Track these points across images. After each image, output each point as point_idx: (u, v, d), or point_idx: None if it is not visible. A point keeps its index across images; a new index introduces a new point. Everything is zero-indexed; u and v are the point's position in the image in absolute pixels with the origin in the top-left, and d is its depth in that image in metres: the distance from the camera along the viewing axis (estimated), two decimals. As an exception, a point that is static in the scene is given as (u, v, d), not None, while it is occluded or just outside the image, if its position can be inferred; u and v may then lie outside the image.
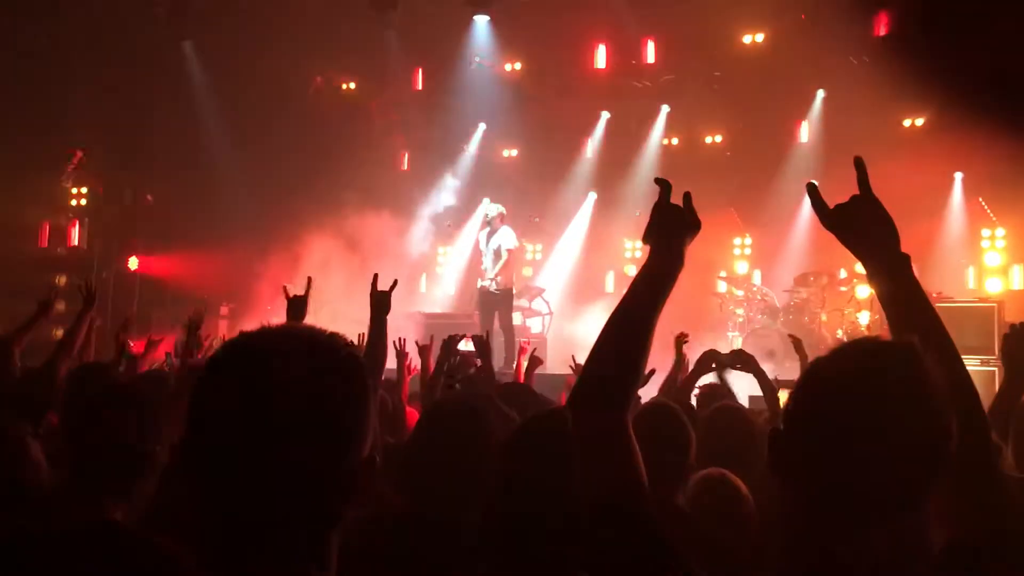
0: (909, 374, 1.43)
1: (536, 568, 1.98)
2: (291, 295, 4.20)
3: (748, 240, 14.74)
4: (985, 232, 13.30)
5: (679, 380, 5.01)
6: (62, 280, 11.21)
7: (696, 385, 4.86)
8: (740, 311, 12.84)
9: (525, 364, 5.96)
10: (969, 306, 10.36)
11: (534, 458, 2.09)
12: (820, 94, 13.77)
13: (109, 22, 13.90)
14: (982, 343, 9.38)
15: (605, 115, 14.98)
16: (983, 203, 13.29)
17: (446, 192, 15.40)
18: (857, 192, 1.88)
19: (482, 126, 15.43)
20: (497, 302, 11.45)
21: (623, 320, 1.80)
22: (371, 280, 4.19)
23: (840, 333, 11.96)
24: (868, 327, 11.87)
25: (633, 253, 15.19)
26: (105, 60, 14.29)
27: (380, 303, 4.14)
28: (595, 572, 1.67)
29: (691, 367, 4.96)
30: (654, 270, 1.84)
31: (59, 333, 9.36)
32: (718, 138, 14.66)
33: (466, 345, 5.41)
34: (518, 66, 14.86)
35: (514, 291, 11.82)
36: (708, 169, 13.65)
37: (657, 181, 1.94)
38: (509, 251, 11.66)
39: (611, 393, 1.73)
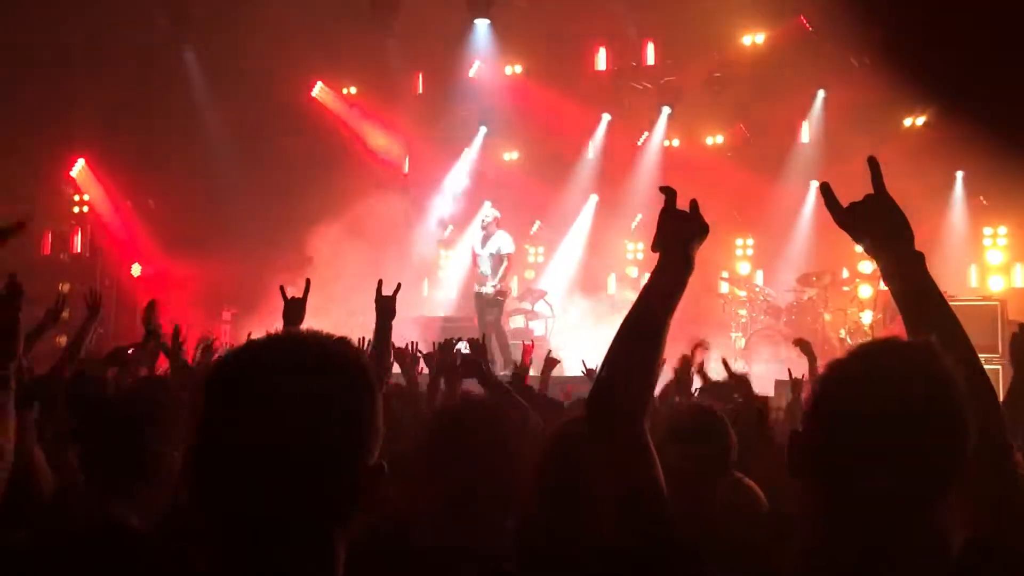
0: (929, 374, 1.43)
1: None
2: (289, 296, 4.18)
3: (750, 241, 14.75)
4: (987, 230, 13.31)
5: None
6: (65, 287, 11.21)
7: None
8: (743, 312, 12.84)
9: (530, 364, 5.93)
10: (972, 304, 10.35)
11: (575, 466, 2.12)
12: (820, 94, 13.77)
13: (111, 29, 13.93)
14: (986, 342, 9.36)
15: (606, 117, 14.98)
16: (984, 201, 13.30)
17: (448, 196, 15.41)
18: (861, 194, 1.89)
19: (483, 129, 15.44)
20: (491, 305, 11.50)
21: (636, 328, 1.82)
22: (375, 287, 4.22)
23: (843, 333, 11.95)
24: (871, 326, 11.87)
25: (635, 255, 15.20)
26: (107, 67, 14.32)
27: (385, 308, 4.15)
28: None
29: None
30: (664, 276, 1.86)
31: (62, 340, 9.38)
32: (719, 139, 14.66)
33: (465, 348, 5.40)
34: (518, 69, 14.87)
35: (513, 294, 11.85)
36: (709, 170, 13.66)
37: (662, 190, 1.96)
38: (508, 256, 11.70)
39: (627, 402, 1.75)
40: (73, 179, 15.54)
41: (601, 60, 14.47)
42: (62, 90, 14.42)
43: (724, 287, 13.39)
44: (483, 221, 12.02)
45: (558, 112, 14.57)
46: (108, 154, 15.24)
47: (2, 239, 1.82)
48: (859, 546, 1.44)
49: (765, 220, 14.13)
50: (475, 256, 12.09)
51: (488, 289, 11.56)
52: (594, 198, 15.20)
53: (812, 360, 3.79)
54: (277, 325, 3.90)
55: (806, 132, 14.06)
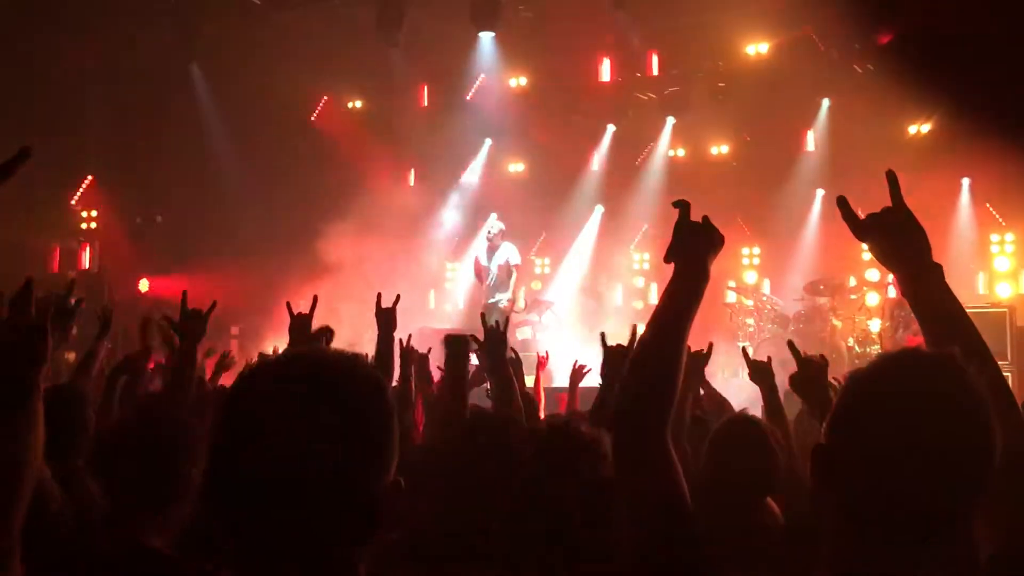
0: (954, 387, 1.43)
1: None
2: (295, 312, 4.19)
3: (756, 250, 14.74)
4: (994, 237, 13.30)
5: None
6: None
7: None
8: (750, 321, 12.83)
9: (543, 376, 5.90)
10: (981, 311, 10.34)
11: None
12: (825, 103, 13.78)
13: (117, 46, 14.01)
14: (995, 348, 9.27)
15: (611, 128, 15.00)
16: (991, 208, 13.28)
17: (453, 208, 15.43)
18: (867, 202, 1.90)
19: (488, 142, 15.48)
20: (502, 317, 11.43)
21: (656, 340, 1.84)
22: (375, 299, 4.25)
23: (851, 341, 11.93)
24: (879, 334, 11.84)
25: (641, 265, 15.21)
26: (115, 84, 14.40)
27: (386, 320, 4.18)
28: None
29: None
30: (681, 289, 1.88)
31: (71, 356, 9.40)
32: (724, 149, 14.67)
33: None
34: (523, 81, 14.91)
35: (520, 306, 11.85)
36: (715, 180, 13.68)
37: (676, 204, 1.98)
38: (517, 267, 11.71)
39: (650, 413, 1.76)
40: (82, 196, 15.60)
41: (605, 71, 14.50)
42: (71, 107, 14.49)
43: (731, 296, 13.37)
44: (489, 233, 12.02)
45: (563, 124, 14.61)
46: (116, 170, 15.31)
47: (9, 171, 1.80)
48: (888, 561, 1.43)
49: (771, 229, 14.13)
50: (480, 268, 12.08)
51: (503, 303, 11.56)
52: (600, 209, 15.21)
53: (801, 363, 3.63)
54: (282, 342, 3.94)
55: (811, 141, 14.06)
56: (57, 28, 13.45)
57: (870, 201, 1.94)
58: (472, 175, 15.54)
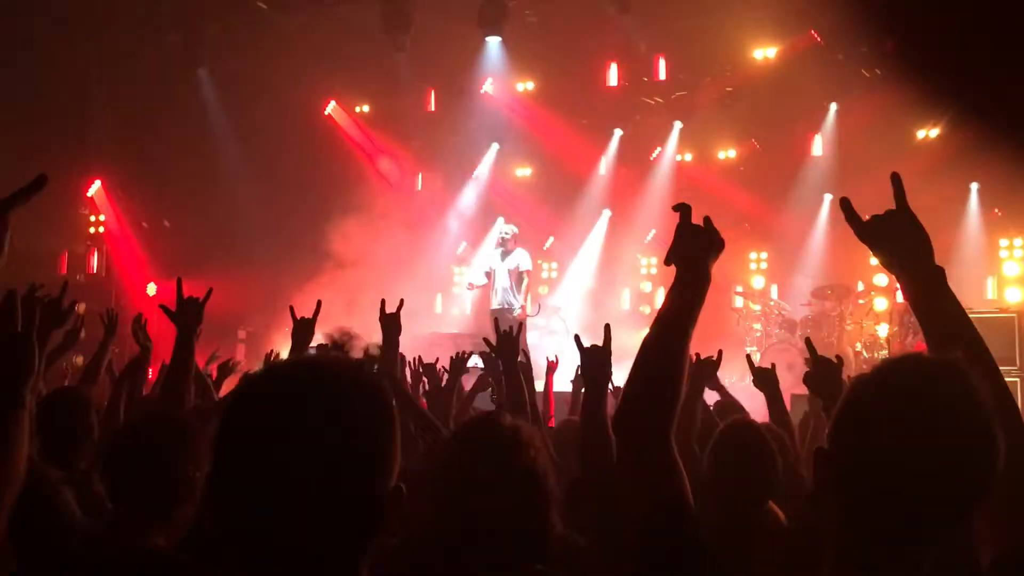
0: (956, 391, 1.43)
1: None
2: (299, 316, 4.20)
3: (764, 255, 14.72)
4: (1003, 242, 13.25)
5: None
6: (82, 307, 11.29)
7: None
8: (757, 326, 12.81)
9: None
10: (989, 317, 10.29)
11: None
12: (833, 107, 13.76)
13: (124, 50, 14.07)
14: (1003, 354, 9.31)
15: (618, 133, 15.00)
16: (999, 213, 13.24)
17: (460, 212, 15.45)
18: (875, 207, 1.90)
19: (495, 146, 15.49)
20: (513, 323, 11.41)
21: (658, 345, 1.84)
22: (378, 305, 4.27)
23: (859, 346, 11.91)
24: (887, 339, 11.81)
25: (648, 270, 15.19)
26: (121, 88, 14.46)
27: (390, 325, 4.20)
28: None
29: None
30: (684, 292, 1.89)
31: (79, 360, 9.43)
32: (731, 153, 14.65)
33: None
34: (530, 86, 14.93)
35: (528, 311, 11.85)
36: (722, 185, 13.66)
37: (676, 208, 1.99)
38: (528, 273, 11.71)
39: (653, 418, 1.76)
40: (90, 200, 15.66)
41: (612, 76, 14.50)
42: (78, 112, 14.56)
43: (738, 301, 13.35)
44: (502, 237, 12.01)
45: (570, 128, 14.61)
46: (124, 175, 15.37)
47: (27, 198, 1.80)
48: (889, 564, 1.43)
49: (779, 234, 14.11)
50: (491, 272, 12.05)
51: (517, 309, 11.56)
52: (607, 213, 15.21)
53: (816, 363, 3.56)
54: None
55: (819, 145, 14.04)
56: (65, 33, 13.52)
57: (877, 206, 1.93)
58: (479, 179, 15.55)
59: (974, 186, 13.24)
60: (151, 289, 15.36)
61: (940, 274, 1.84)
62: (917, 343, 10.27)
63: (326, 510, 1.27)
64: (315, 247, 13.42)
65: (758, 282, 14.36)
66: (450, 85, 14.97)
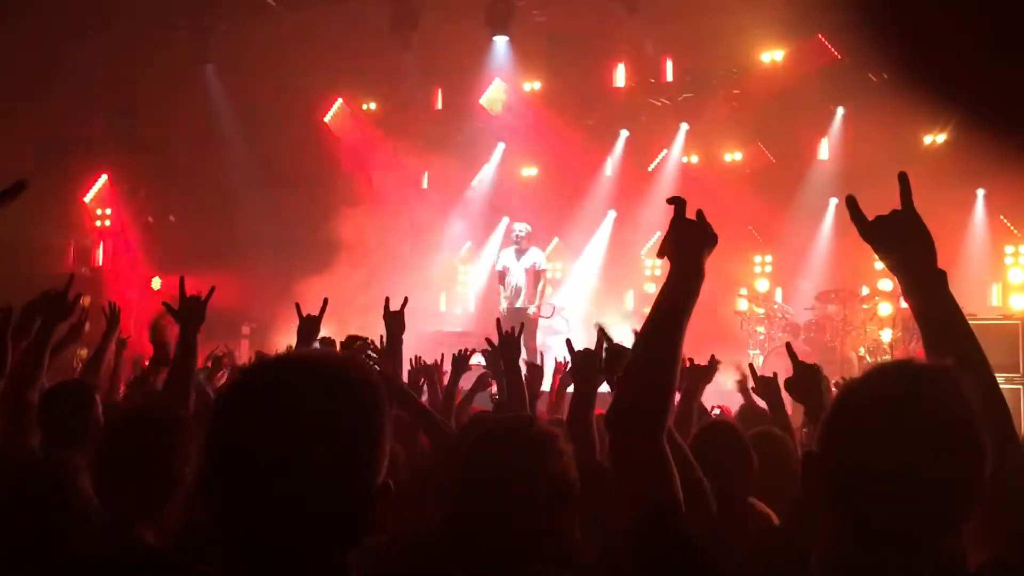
0: (945, 397, 1.43)
1: None
2: (304, 314, 4.22)
3: (768, 258, 14.70)
4: (1008, 249, 13.22)
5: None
6: (86, 300, 11.31)
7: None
8: (761, 329, 12.79)
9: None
10: (993, 323, 10.26)
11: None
12: (840, 111, 13.73)
13: (132, 46, 14.09)
14: (1006, 360, 9.29)
15: (624, 134, 14.99)
16: (1005, 220, 13.21)
17: (466, 212, 15.45)
18: (880, 211, 1.89)
19: (501, 145, 15.49)
20: (528, 322, 11.39)
21: (651, 341, 1.83)
22: (383, 303, 4.29)
23: (862, 351, 11.88)
24: (890, 345, 11.78)
25: (653, 271, 15.18)
26: (128, 84, 14.49)
27: (394, 323, 4.22)
28: None
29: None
30: (676, 288, 1.88)
31: (83, 353, 9.44)
32: (737, 156, 14.64)
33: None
34: (537, 86, 14.93)
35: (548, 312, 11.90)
36: (727, 187, 13.64)
37: (670, 201, 1.98)
38: (543, 272, 11.75)
39: (646, 415, 1.75)
40: (96, 194, 15.70)
41: (619, 77, 14.50)
42: (85, 107, 14.59)
43: (742, 304, 13.33)
44: (516, 235, 12.01)
45: (576, 128, 14.60)
46: (130, 170, 15.41)
47: (6, 202, 1.80)
48: (876, 568, 1.43)
49: (784, 237, 14.08)
50: (505, 271, 12.03)
51: (532, 308, 11.58)
52: (612, 214, 15.20)
53: (797, 364, 3.52)
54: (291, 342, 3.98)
55: (825, 149, 14.01)
56: (73, 29, 13.55)
57: (883, 210, 1.92)
58: (485, 179, 15.55)
59: (980, 192, 13.20)
60: (156, 283, 15.40)
61: (941, 277, 1.83)
62: (920, 348, 10.25)
63: (313, 506, 1.27)
64: (320, 243, 13.44)
65: (762, 285, 14.34)
66: (457, 84, 14.98)
